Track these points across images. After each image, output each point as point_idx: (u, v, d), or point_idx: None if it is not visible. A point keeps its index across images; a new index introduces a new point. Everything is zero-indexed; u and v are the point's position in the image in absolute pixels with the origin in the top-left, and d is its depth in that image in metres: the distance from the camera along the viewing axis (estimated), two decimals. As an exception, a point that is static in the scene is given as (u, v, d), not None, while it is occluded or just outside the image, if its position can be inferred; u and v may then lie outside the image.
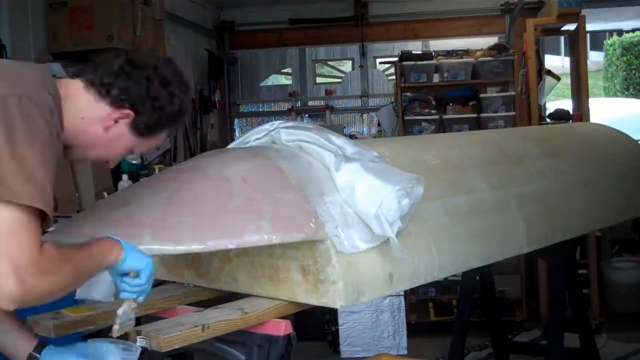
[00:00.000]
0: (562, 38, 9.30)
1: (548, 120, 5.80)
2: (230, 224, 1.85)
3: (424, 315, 5.48)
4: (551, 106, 7.13)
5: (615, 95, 14.87)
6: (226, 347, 1.97)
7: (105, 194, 3.86)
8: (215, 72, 7.17)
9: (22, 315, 1.82)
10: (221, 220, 1.86)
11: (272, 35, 7.52)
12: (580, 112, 5.55)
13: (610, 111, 10.50)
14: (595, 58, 15.31)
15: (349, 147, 2.09)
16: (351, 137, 4.45)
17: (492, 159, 2.76)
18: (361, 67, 7.53)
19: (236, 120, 7.84)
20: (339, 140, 2.11)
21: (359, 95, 7.58)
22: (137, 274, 1.71)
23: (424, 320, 5.45)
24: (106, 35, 4.49)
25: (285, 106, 7.74)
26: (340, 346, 4.90)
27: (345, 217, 1.98)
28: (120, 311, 1.72)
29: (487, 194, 2.52)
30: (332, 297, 1.91)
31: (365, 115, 7.64)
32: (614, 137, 3.73)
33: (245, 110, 7.95)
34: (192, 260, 2.25)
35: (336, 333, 4.93)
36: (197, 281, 2.27)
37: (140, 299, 1.75)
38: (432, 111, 5.81)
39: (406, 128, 5.75)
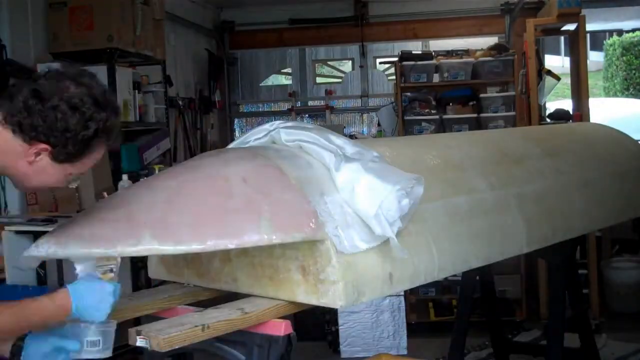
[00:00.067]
0: (562, 38, 9.30)
1: (548, 120, 5.80)
2: (230, 224, 1.85)
3: (424, 315, 5.48)
4: (551, 106, 7.13)
5: (615, 95, 14.87)
6: (226, 347, 1.97)
7: (105, 194, 3.87)
8: (215, 72, 7.18)
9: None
10: (221, 220, 1.85)
11: (272, 35, 7.52)
12: (580, 112, 5.55)
13: (610, 111, 10.51)
14: (595, 58, 15.30)
15: (349, 147, 2.09)
16: (351, 137, 4.45)
17: (492, 159, 2.76)
18: (361, 67, 7.53)
19: (236, 120, 7.84)
20: (339, 140, 2.11)
21: (359, 95, 7.59)
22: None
23: (424, 320, 5.45)
24: (106, 35, 4.50)
25: (285, 106, 7.74)
26: (340, 346, 4.90)
27: (345, 217, 1.97)
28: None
29: (487, 194, 2.52)
30: (332, 297, 1.91)
31: (365, 115, 7.65)
32: (614, 137, 3.72)
33: (245, 110, 7.96)
34: (192, 260, 2.25)
35: (336, 333, 4.93)
36: (197, 281, 2.27)
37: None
38: (432, 111, 5.81)
39: (406, 128, 5.75)
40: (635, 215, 3.59)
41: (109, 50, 4.50)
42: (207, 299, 2.25)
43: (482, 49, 5.86)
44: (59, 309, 1.70)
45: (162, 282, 2.40)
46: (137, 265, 4.45)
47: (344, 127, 7.41)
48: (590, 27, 5.95)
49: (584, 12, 5.44)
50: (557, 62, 11.85)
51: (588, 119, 5.46)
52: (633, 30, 14.20)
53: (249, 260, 2.09)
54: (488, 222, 2.46)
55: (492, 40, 6.62)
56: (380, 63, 7.77)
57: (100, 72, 4.52)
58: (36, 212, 4.16)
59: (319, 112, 7.63)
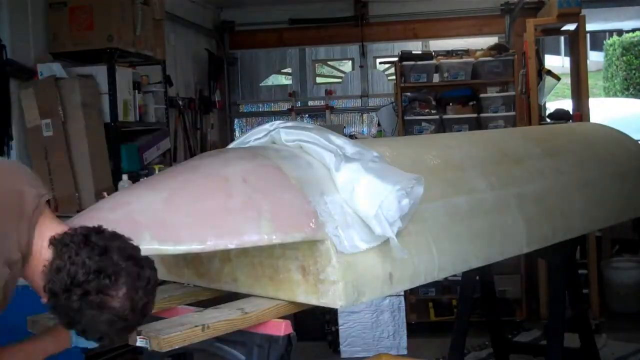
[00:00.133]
0: (562, 38, 9.30)
1: (548, 120, 5.80)
2: (230, 224, 1.85)
3: (424, 315, 5.48)
4: (551, 106, 7.13)
5: (615, 95, 14.86)
6: (226, 347, 1.97)
7: (105, 194, 3.86)
8: (215, 72, 7.17)
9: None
10: (221, 220, 1.86)
11: (272, 35, 7.52)
12: (580, 112, 5.55)
13: (610, 111, 10.50)
14: (595, 58, 15.30)
15: (349, 147, 2.09)
16: (351, 137, 4.46)
17: (492, 159, 2.76)
18: (361, 67, 7.53)
19: (236, 120, 7.84)
20: (339, 140, 2.11)
21: (359, 95, 7.58)
22: None
23: (424, 320, 5.45)
24: (106, 35, 4.49)
25: (285, 106, 7.74)
26: (340, 346, 4.90)
27: (345, 217, 1.98)
28: None
29: (487, 194, 2.52)
30: (332, 297, 1.91)
31: (365, 115, 7.64)
32: (614, 137, 3.72)
33: (245, 110, 7.95)
34: (192, 260, 2.25)
35: (336, 333, 4.93)
36: (197, 281, 2.27)
37: None
38: (432, 111, 5.81)
39: (406, 128, 5.75)
40: (635, 215, 3.59)
41: (109, 50, 4.50)
42: (207, 299, 2.25)
43: (482, 49, 5.86)
44: (59, 347, 1.85)
45: (162, 282, 2.40)
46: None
47: (344, 127, 7.40)
48: (590, 27, 5.95)
49: (584, 12, 5.44)
50: (557, 62, 11.85)
51: (588, 119, 5.46)
52: (633, 30, 14.20)
53: (249, 260, 2.10)
54: (488, 222, 2.46)
55: (492, 40, 6.62)
56: (380, 63, 7.77)
57: (100, 72, 4.53)
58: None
59: (319, 112, 7.62)
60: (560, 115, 5.74)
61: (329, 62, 8.52)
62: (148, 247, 1.77)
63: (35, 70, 4.30)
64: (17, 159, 4.11)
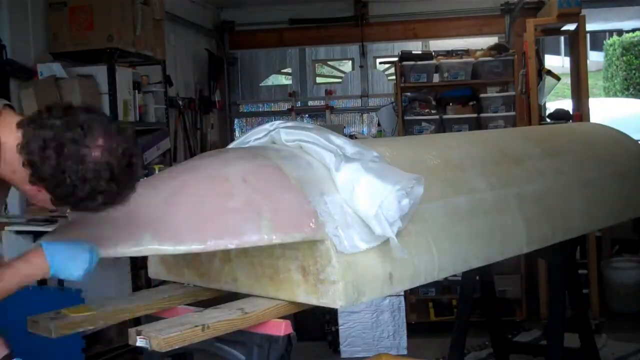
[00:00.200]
0: (562, 38, 9.30)
1: (548, 120, 5.80)
2: (230, 224, 1.85)
3: (424, 315, 5.48)
4: (551, 106, 7.13)
5: (615, 95, 14.86)
6: (226, 347, 1.97)
7: (105, 194, 3.86)
8: (215, 72, 7.18)
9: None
10: (221, 220, 1.86)
11: (272, 35, 7.52)
12: (580, 112, 5.55)
13: (610, 111, 10.50)
14: (595, 58, 15.30)
15: (349, 147, 2.09)
16: (351, 137, 4.45)
17: (492, 159, 2.76)
18: (361, 67, 7.53)
19: (236, 120, 7.84)
20: (339, 140, 2.11)
21: (359, 95, 7.59)
22: None
23: (424, 320, 5.45)
24: (106, 35, 4.50)
25: (285, 106, 7.74)
26: (340, 346, 4.90)
27: (345, 217, 1.98)
28: None
29: (487, 194, 2.52)
30: (332, 297, 1.91)
31: (365, 115, 7.65)
32: (614, 137, 3.72)
33: (245, 110, 7.96)
34: (192, 260, 2.25)
35: (336, 333, 4.93)
36: (197, 281, 2.27)
37: None
38: (432, 111, 5.81)
39: (406, 128, 5.75)
40: (635, 215, 3.59)
41: (109, 50, 4.50)
42: (207, 299, 2.25)
43: (482, 49, 5.86)
44: (35, 269, 1.73)
45: (162, 282, 2.40)
46: (137, 265, 4.45)
47: (344, 127, 7.40)
48: (590, 27, 5.95)
49: (584, 12, 5.43)
50: (557, 62, 11.85)
51: (588, 119, 5.46)
52: (633, 30, 14.20)
53: (249, 260, 2.10)
54: (488, 222, 2.46)
55: (492, 40, 6.62)
56: (380, 63, 7.77)
57: (100, 72, 4.53)
58: (36, 212, 4.16)
59: (319, 112, 7.63)
60: (560, 115, 5.74)
61: (329, 62, 8.52)
62: (148, 247, 1.77)
63: (35, 70, 4.30)
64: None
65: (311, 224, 1.89)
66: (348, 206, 2.00)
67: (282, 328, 1.93)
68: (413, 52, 6.25)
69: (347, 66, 8.08)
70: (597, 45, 15.63)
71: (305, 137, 2.13)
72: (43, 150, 1.57)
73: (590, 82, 6.54)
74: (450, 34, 7.19)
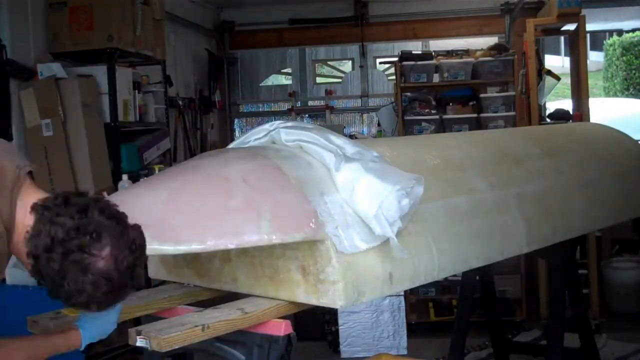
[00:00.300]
0: (562, 38, 9.30)
1: (548, 120, 5.80)
2: (230, 224, 1.85)
3: (424, 315, 5.48)
4: (551, 106, 7.13)
5: (615, 95, 14.86)
6: (226, 347, 1.97)
7: (105, 194, 3.86)
8: (215, 72, 7.17)
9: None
10: (221, 220, 1.86)
11: (272, 35, 7.52)
12: (580, 112, 5.55)
13: (610, 111, 10.50)
14: (595, 58, 15.30)
15: (349, 147, 2.09)
16: (351, 137, 4.45)
17: (492, 159, 2.76)
18: (361, 67, 7.53)
19: (236, 120, 7.84)
20: (339, 140, 2.11)
21: (359, 95, 7.58)
22: None
23: (424, 320, 5.45)
24: (106, 35, 4.49)
25: (285, 106, 7.74)
26: (340, 346, 4.90)
27: (345, 217, 1.98)
28: None
29: (487, 194, 2.52)
30: (332, 297, 1.91)
31: (365, 115, 7.64)
32: (614, 137, 3.73)
33: (245, 110, 7.95)
34: (192, 260, 2.25)
35: (336, 333, 4.93)
36: (197, 281, 2.27)
37: None
38: (432, 111, 5.81)
39: (406, 128, 5.75)
40: (635, 215, 3.59)
41: (109, 50, 4.50)
42: (207, 299, 2.25)
43: (482, 49, 5.86)
44: (70, 347, 1.79)
45: (162, 282, 2.40)
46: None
47: (344, 127, 7.40)
48: (590, 27, 5.95)
49: (584, 12, 5.44)
50: (557, 62, 11.85)
51: (588, 119, 5.46)
52: (633, 30, 14.19)
53: (249, 260, 2.10)
54: (488, 222, 2.46)
55: (492, 40, 6.62)
56: (380, 63, 7.76)
57: (100, 72, 4.53)
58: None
59: (319, 112, 7.62)
60: (560, 115, 5.74)
61: (329, 62, 8.52)
62: (148, 247, 1.77)
63: (35, 70, 4.30)
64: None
65: (311, 224, 1.89)
66: (348, 206, 2.00)
67: (282, 328, 1.93)
68: (413, 52, 6.25)
69: (347, 66, 8.07)
70: (597, 45, 15.64)
71: (305, 137, 2.13)
72: (49, 251, 1.53)
73: (590, 82, 6.54)
74: (450, 34, 7.19)
